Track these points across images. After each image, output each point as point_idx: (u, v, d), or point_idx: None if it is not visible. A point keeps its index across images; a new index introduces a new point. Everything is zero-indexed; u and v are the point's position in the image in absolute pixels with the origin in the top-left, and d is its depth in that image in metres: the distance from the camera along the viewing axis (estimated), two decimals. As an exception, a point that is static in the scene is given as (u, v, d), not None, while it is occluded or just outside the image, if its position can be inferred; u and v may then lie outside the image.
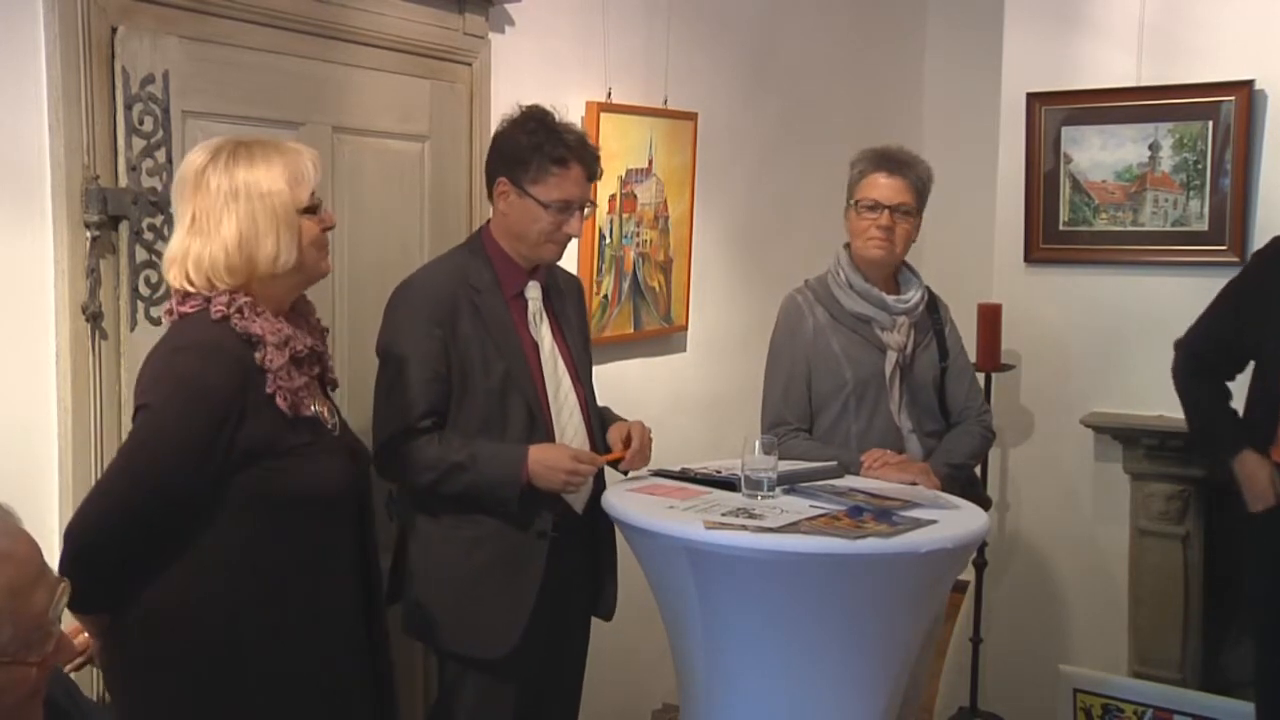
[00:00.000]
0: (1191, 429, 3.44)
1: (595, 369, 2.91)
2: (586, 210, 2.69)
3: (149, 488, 1.95)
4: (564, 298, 2.79)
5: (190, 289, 2.02)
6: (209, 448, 1.95)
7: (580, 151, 2.62)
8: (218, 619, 1.99)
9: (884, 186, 3.04)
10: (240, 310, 2.01)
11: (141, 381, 2.03)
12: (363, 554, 2.22)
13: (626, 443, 2.71)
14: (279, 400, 2.01)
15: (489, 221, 2.71)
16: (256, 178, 2.02)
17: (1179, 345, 3.37)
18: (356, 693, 2.17)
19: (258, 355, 2.00)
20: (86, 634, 2.04)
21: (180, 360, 1.99)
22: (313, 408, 2.11)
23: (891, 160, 3.07)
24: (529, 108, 2.68)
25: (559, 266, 2.84)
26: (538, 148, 2.58)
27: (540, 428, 2.61)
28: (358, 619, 2.18)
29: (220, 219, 2.01)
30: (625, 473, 2.83)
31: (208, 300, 2.01)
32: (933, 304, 3.19)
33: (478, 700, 2.62)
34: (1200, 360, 3.31)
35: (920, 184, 3.08)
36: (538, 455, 2.53)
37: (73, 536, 1.94)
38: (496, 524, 2.57)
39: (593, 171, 2.65)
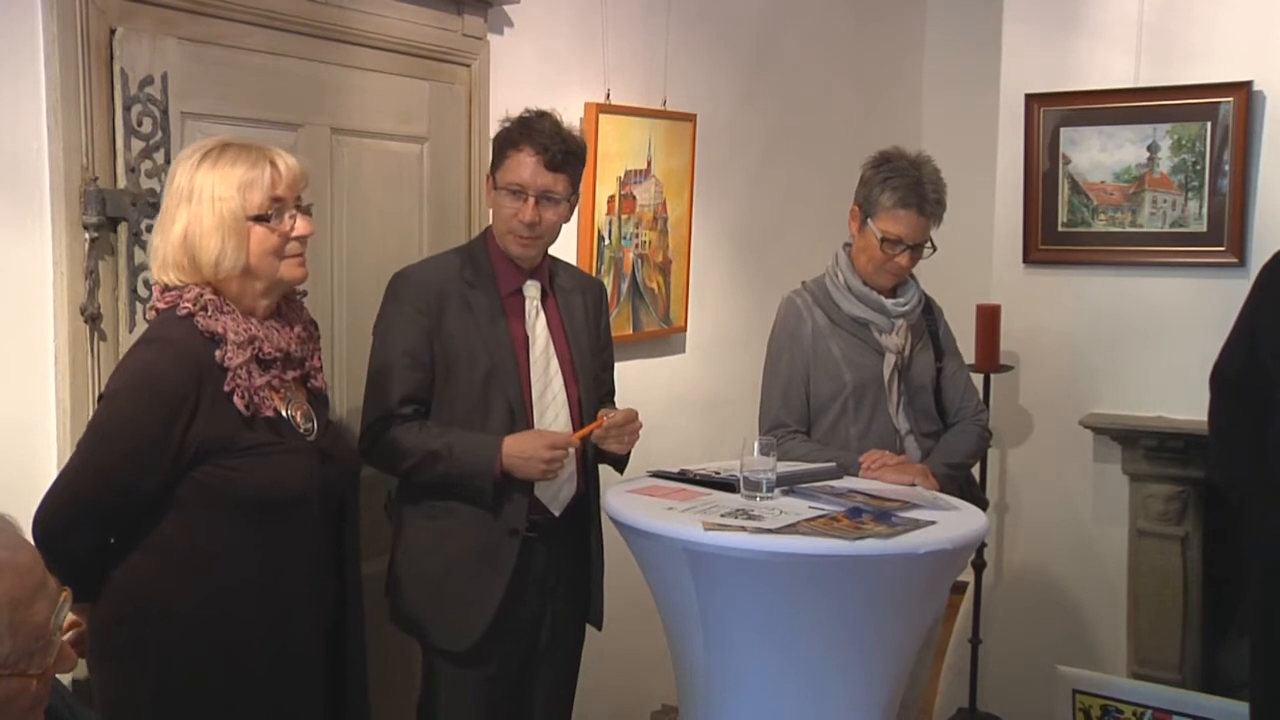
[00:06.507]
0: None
1: (594, 370, 2.90)
2: (565, 208, 2.63)
3: (103, 478, 1.99)
4: (573, 298, 2.76)
5: (168, 282, 2.06)
6: (161, 441, 1.98)
7: (533, 135, 2.57)
8: (179, 609, 2.03)
9: (912, 225, 2.97)
10: (205, 307, 2.04)
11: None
12: (338, 554, 2.24)
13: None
14: (236, 399, 2.03)
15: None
16: (211, 180, 2.04)
17: (1210, 380, 3.07)
18: (305, 688, 2.19)
19: (218, 353, 2.02)
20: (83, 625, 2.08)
21: (141, 354, 2.04)
22: (284, 410, 2.13)
23: (925, 200, 2.96)
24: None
25: (579, 269, 2.82)
26: (503, 137, 2.64)
27: (521, 425, 2.61)
28: (317, 616, 2.20)
29: (174, 215, 2.05)
30: (621, 470, 2.81)
31: (180, 296, 2.04)
32: (927, 305, 3.19)
33: (448, 692, 2.64)
34: (1233, 383, 3.00)
35: (940, 217, 3.04)
36: (512, 447, 2.52)
37: (36, 524, 1.98)
38: (471, 517, 2.57)
39: (550, 158, 2.55)
